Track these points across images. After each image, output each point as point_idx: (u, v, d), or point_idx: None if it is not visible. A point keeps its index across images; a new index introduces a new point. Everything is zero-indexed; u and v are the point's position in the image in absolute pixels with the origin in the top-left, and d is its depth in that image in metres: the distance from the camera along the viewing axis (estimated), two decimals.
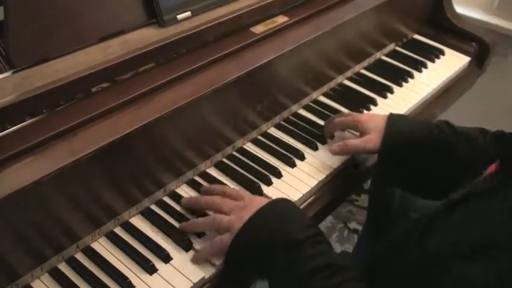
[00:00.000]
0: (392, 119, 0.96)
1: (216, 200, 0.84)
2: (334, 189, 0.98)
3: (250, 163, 0.98)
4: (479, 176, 0.85)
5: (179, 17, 0.88)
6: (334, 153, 0.99)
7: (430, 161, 0.93)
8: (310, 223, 0.78)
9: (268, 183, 0.94)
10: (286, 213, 0.78)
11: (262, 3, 0.98)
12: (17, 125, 0.71)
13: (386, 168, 0.96)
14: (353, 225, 1.91)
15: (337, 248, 1.77)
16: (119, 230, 0.83)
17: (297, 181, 0.95)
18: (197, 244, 0.82)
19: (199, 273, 0.79)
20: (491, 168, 0.72)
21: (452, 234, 0.64)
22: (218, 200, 0.84)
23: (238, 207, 0.80)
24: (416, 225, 0.76)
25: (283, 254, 0.73)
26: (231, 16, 0.93)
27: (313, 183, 0.95)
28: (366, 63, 1.29)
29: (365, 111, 1.14)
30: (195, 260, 0.80)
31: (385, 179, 1.01)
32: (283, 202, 0.82)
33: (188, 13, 0.89)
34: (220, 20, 0.91)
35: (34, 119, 0.73)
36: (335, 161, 1.00)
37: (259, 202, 0.80)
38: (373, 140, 0.95)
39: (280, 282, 0.75)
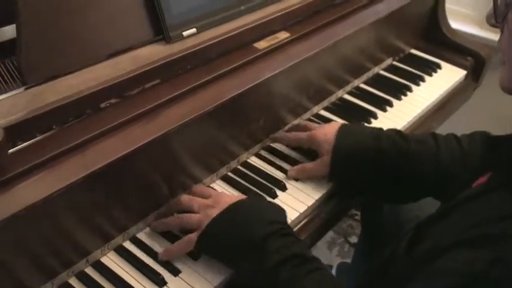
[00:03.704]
0: (339, 137, 0.94)
1: (184, 199, 0.87)
2: (337, 202, 1.00)
3: (255, 176, 0.99)
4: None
5: (185, 33, 0.89)
6: (291, 177, 0.98)
7: (384, 172, 0.93)
8: (274, 219, 0.80)
9: (273, 196, 0.95)
10: (251, 212, 0.81)
11: (265, 20, 1.00)
12: (29, 140, 0.72)
13: (342, 187, 0.98)
14: (353, 239, 1.91)
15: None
16: (128, 244, 0.84)
17: (302, 194, 0.96)
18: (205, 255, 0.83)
19: (207, 285, 0.79)
20: (481, 179, 0.72)
21: (439, 237, 0.63)
22: (186, 200, 0.86)
23: (206, 205, 0.83)
24: (403, 238, 0.77)
25: (247, 254, 0.77)
26: (235, 32, 0.94)
27: (317, 195, 0.97)
28: (364, 77, 1.31)
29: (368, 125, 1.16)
30: (162, 256, 0.81)
31: (345, 193, 1.00)
32: (249, 201, 0.84)
33: (194, 30, 0.91)
34: (225, 36, 0.93)
35: (45, 135, 0.74)
36: None
37: (227, 200, 0.83)
38: (325, 163, 0.94)
39: (249, 277, 0.78)
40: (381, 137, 0.94)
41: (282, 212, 0.85)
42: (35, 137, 0.73)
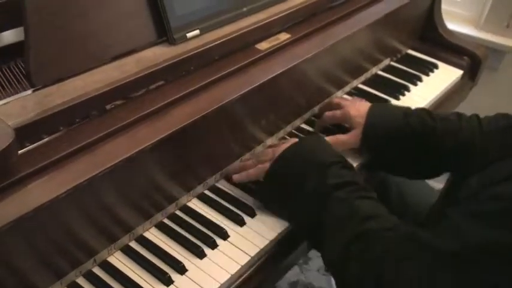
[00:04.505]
0: (371, 115, 1.03)
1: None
2: None
3: None
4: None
5: (188, 35, 0.91)
6: None
7: (412, 147, 1.01)
8: (338, 153, 0.91)
9: None
10: (319, 144, 0.93)
11: (266, 21, 1.01)
12: (37, 142, 0.73)
13: (370, 159, 1.05)
14: None
15: None
16: (134, 244, 0.85)
17: None
18: (210, 255, 0.84)
19: (214, 283, 0.80)
20: None
21: (484, 180, 0.72)
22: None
23: (280, 144, 0.95)
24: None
25: (313, 174, 0.85)
26: (237, 34, 0.95)
27: None
28: (363, 78, 1.32)
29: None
30: (237, 178, 0.95)
31: (371, 166, 1.08)
32: (316, 137, 0.99)
33: (197, 31, 0.92)
34: (227, 38, 0.94)
35: (53, 136, 0.74)
36: None
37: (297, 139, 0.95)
38: (357, 136, 1.03)
39: (308, 201, 0.84)
40: (410, 115, 1.02)
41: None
42: (43, 138, 0.74)
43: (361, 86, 1.31)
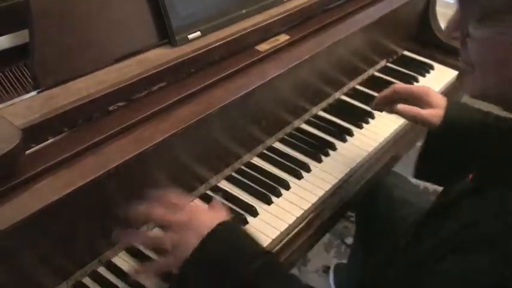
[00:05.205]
0: (452, 101, 0.98)
1: (156, 213, 0.74)
2: (339, 200, 1.02)
3: (259, 176, 1.01)
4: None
5: (190, 36, 0.92)
6: (400, 111, 0.99)
7: (478, 145, 0.92)
8: (255, 252, 0.72)
9: (278, 194, 0.97)
10: (231, 247, 0.71)
11: (265, 23, 1.02)
12: (42, 142, 0.74)
13: (434, 146, 0.98)
14: (349, 240, 1.94)
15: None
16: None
17: (305, 192, 0.99)
18: None
19: None
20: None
21: (444, 233, 0.63)
22: (158, 215, 0.74)
23: (182, 223, 0.72)
24: (401, 237, 0.78)
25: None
26: (238, 35, 0.97)
27: (320, 192, 0.99)
28: (360, 79, 1.34)
29: (365, 124, 1.19)
30: (134, 274, 0.76)
31: (426, 158, 1.00)
32: (227, 231, 0.73)
33: (198, 33, 0.93)
34: (228, 39, 0.95)
35: (57, 137, 0.75)
36: (339, 173, 1.04)
37: (202, 221, 0.72)
38: (439, 115, 0.96)
39: None
40: (487, 113, 0.96)
41: (258, 239, 0.75)
42: (48, 139, 0.75)
43: (358, 87, 1.32)
